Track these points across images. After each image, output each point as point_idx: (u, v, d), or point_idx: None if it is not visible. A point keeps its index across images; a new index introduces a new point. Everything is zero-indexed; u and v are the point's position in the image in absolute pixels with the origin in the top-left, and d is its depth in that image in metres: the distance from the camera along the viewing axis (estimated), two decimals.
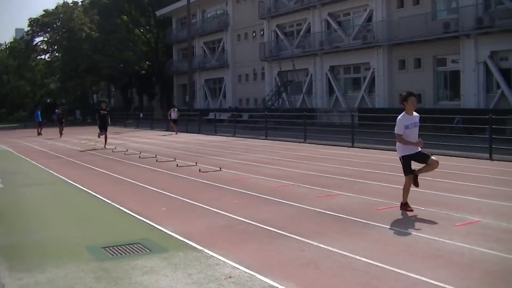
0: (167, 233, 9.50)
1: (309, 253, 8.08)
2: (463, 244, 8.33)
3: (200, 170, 17.92)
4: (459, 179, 14.91)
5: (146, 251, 8.37)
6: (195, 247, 8.46)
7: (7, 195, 14.27)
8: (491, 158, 19.58)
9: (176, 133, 40.22)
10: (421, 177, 15.24)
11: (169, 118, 42.73)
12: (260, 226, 9.81)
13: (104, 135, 29.10)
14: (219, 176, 16.80)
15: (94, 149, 27.86)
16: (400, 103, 10.99)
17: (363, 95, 42.93)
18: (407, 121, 10.76)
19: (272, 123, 38.09)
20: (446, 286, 6.60)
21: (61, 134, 39.79)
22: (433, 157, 10.87)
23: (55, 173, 18.31)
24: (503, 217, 10.12)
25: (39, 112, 46.96)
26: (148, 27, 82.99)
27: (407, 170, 10.92)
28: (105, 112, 29.20)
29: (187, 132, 40.99)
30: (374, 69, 41.56)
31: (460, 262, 7.56)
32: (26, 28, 76.58)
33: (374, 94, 41.92)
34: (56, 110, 44.51)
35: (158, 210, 11.62)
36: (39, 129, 45.18)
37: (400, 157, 11.06)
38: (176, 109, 42.86)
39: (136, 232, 9.69)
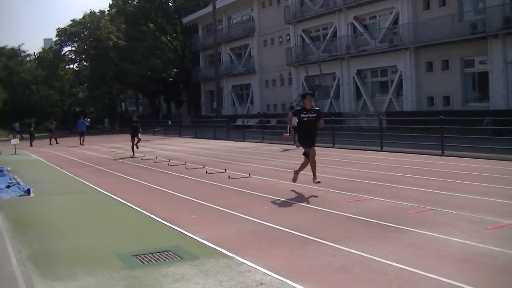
0: (197, 240, 9.52)
1: (340, 259, 8.05)
2: (495, 247, 8.25)
3: (229, 177, 17.95)
4: (490, 181, 14.77)
5: (177, 258, 8.40)
6: (226, 254, 8.48)
7: (38, 204, 14.41)
8: None
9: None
10: (449, 180, 15.17)
11: (289, 124, 28.15)
12: (290, 232, 9.79)
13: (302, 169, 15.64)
14: (248, 182, 16.81)
15: (124, 158, 28.06)
16: None
17: (390, 99, 42.74)
18: None
19: None
20: None
21: (134, 147, 29.57)
22: None
23: (85, 182, 18.46)
24: None
25: (82, 121, 45.65)
26: (174, 35, 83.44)
27: None
28: (314, 116, 14.99)
29: (215, 139, 41.06)
30: (401, 72, 41.36)
31: (493, 266, 7.48)
32: (54, 38, 77.46)
33: (402, 97, 41.71)
34: (133, 119, 31.37)
35: (188, 217, 11.65)
36: (81, 139, 42.37)
37: None
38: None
39: (166, 239, 9.72)
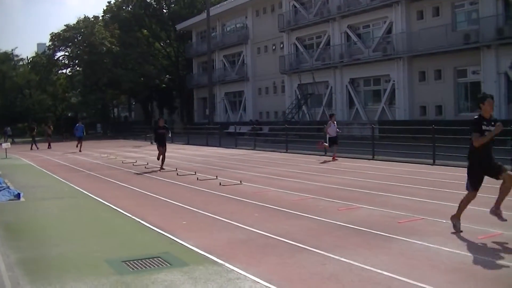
0: (187, 247, 9.48)
1: (330, 267, 8.03)
2: (486, 257, 8.25)
3: (220, 184, 17.91)
4: (481, 191, 14.74)
5: (166, 265, 8.36)
6: (215, 261, 8.44)
7: (28, 208, 14.34)
8: None
9: (335, 158, 26.21)
10: (441, 189, 15.17)
11: (325, 134, 27.18)
12: (280, 240, 9.77)
13: None
14: (239, 189, 16.78)
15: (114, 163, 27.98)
16: None
17: (383, 107, 42.79)
18: None
19: (292, 136, 38.02)
20: None
21: (162, 157, 24.14)
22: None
23: (76, 187, 18.39)
24: None
25: (81, 126, 42.41)
26: (168, 41, 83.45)
27: None
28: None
29: (207, 145, 41.02)
30: (394, 81, 41.43)
31: (483, 276, 7.47)
32: (48, 43, 77.28)
33: (395, 106, 41.77)
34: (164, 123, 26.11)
35: (179, 224, 11.61)
36: (79, 145, 39.64)
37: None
38: (335, 121, 27.54)
39: (156, 246, 9.68)
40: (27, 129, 51.91)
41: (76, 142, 40.87)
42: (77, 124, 43.19)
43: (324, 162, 25.69)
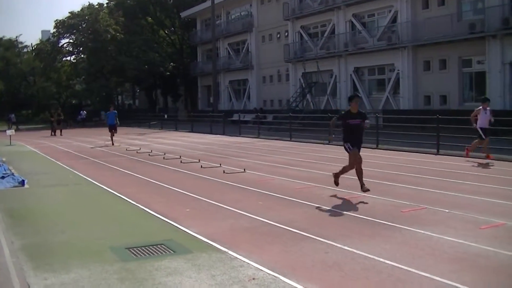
0: (191, 234, 9.52)
1: (333, 255, 8.06)
2: (489, 247, 8.25)
3: (224, 172, 17.93)
4: (484, 181, 14.77)
5: (170, 252, 8.40)
6: (219, 249, 8.48)
7: (32, 195, 14.38)
8: None
9: (489, 157, 20.08)
10: (444, 179, 15.18)
11: (475, 125, 20.65)
12: (284, 228, 9.79)
13: None
14: (243, 177, 16.80)
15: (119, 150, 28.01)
16: None
17: (387, 97, 42.67)
18: None
19: (296, 124, 38.01)
20: None
21: (357, 169, 13.58)
22: None
23: (80, 174, 18.43)
24: None
25: (113, 112, 34.05)
26: (172, 29, 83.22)
27: None
28: None
29: (211, 133, 40.98)
30: (398, 70, 41.30)
31: (486, 266, 7.49)
32: (52, 30, 77.12)
33: (399, 95, 41.64)
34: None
35: (182, 211, 11.65)
36: (113, 134, 32.98)
37: None
38: (488, 108, 20.93)
39: (160, 233, 9.72)
40: (48, 115, 52.63)
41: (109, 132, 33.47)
42: (109, 111, 34.89)
43: (480, 165, 18.69)
